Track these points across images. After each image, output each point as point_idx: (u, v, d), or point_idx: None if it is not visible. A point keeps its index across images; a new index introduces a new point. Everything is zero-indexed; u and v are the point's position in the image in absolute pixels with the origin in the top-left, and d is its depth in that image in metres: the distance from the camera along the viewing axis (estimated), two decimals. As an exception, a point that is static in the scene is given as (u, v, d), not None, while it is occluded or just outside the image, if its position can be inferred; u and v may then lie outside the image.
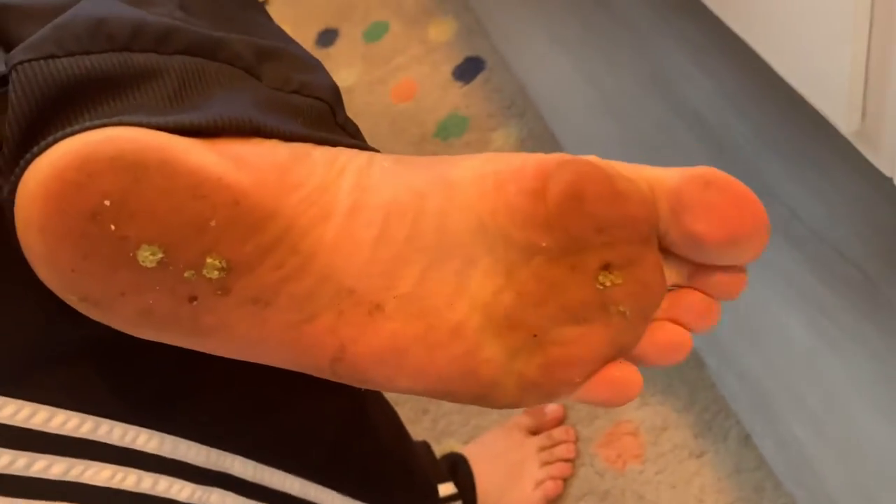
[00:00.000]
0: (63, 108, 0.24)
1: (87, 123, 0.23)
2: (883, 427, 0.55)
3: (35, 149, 0.23)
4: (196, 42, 0.26)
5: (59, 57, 0.24)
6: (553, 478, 0.66)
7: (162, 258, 0.23)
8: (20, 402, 0.26)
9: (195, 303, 0.24)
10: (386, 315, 0.25)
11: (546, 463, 0.66)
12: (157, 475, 0.29)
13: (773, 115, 0.73)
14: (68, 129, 0.23)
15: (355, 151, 0.26)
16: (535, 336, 0.26)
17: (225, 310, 0.24)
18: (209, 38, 0.26)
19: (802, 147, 0.70)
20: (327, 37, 1.15)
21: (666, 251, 0.27)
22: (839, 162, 0.67)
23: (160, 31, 0.25)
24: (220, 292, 0.24)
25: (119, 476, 0.28)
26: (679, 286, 0.28)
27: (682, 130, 0.78)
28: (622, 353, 0.27)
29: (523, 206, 0.25)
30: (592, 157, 0.26)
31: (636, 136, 0.81)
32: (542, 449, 0.66)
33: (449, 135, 0.95)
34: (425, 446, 0.61)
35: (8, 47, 0.25)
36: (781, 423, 0.59)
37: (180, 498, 0.30)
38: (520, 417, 0.69)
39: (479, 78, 0.98)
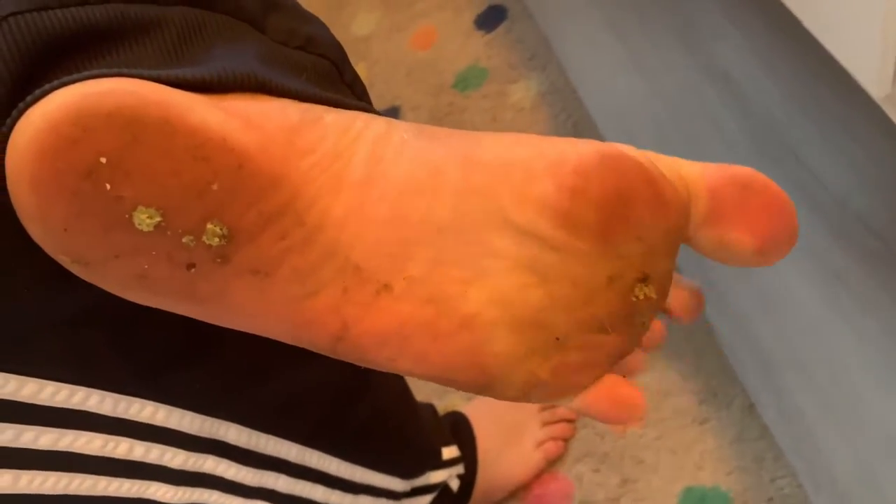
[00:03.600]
0: (57, 62, 0.23)
1: (84, 73, 0.22)
2: (890, 403, 0.54)
3: (28, 98, 0.22)
4: None
5: (52, 8, 0.23)
6: (554, 438, 0.65)
7: (159, 222, 0.22)
8: (6, 374, 0.25)
9: (192, 270, 0.23)
10: (394, 296, 0.24)
11: (547, 423, 0.66)
12: (149, 443, 0.29)
13: (803, 76, 0.70)
14: (64, 79, 0.22)
15: (372, 117, 0.25)
16: (558, 339, 0.25)
17: (223, 279, 0.23)
18: None
19: (832, 110, 0.67)
20: (349, -20, 1.12)
21: None
22: (869, 128, 0.64)
23: None
24: (219, 260, 0.23)
25: (111, 445, 0.28)
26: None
27: (710, 89, 0.75)
28: (623, 358, 0.27)
29: (560, 204, 0.23)
30: (631, 150, 0.24)
31: (661, 94, 0.78)
32: (544, 408, 0.66)
33: (468, 86, 0.92)
34: (430, 409, 0.61)
35: None
36: (787, 393, 0.58)
37: (173, 465, 0.30)
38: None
39: (502, 27, 0.95)
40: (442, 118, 0.90)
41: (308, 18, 0.28)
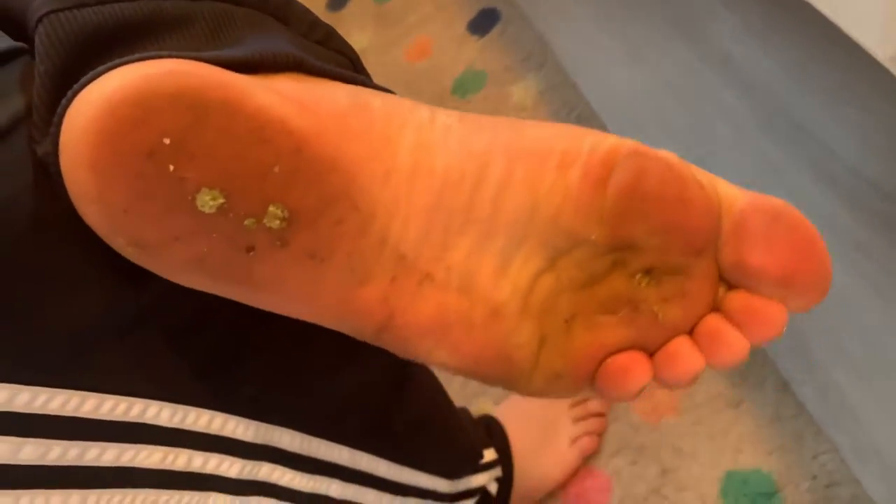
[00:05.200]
0: (98, 57, 0.23)
1: (135, 56, 0.22)
2: (928, 368, 0.53)
3: (82, 79, 0.21)
4: None
5: (90, 5, 0.23)
6: (588, 433, 0.65)
7: (222, 204, 0.22)
8: (69, 391, 0.25)
9: (252, 253, 0.23)
10: (435, 286, 0.24)
11: (579, 418, 0.65)
12: (207, 454, 0.29)
13: (803, 49, 0.70)
14: (116, 61, 0.22)
15: (414, 103, 0.25)
16: (566, 322, 0.25)
17: (281, 262, 0.23)
18: None
19: (836, 80, 0.67)
20: (338, 0, 1.13)
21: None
22: (875, 94, 0.64)
23: None
24: (278, 243, 0.23)
25: (170, 458, 0.28)
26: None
27: (710, 72, 0.75)
28: (649, 348, 0.26)
29: (582, 194, 0.24)
30: (668, 154, 0.24)
31: (662, 82, 0.78)
32: (575, 404, 0.66)
33: (467, 91, 0.93)
34: (466, 412, 0.61)
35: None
36: (820, 368, 0.57)
37: (230, 474, 0.30)
38: (551, 375, 0.68)
39: (495, 30, 0.96)
40: (444, 126, 0.90)
41: (319, 19, 0.29)
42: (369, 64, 1.07)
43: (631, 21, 0.84)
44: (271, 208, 0.22)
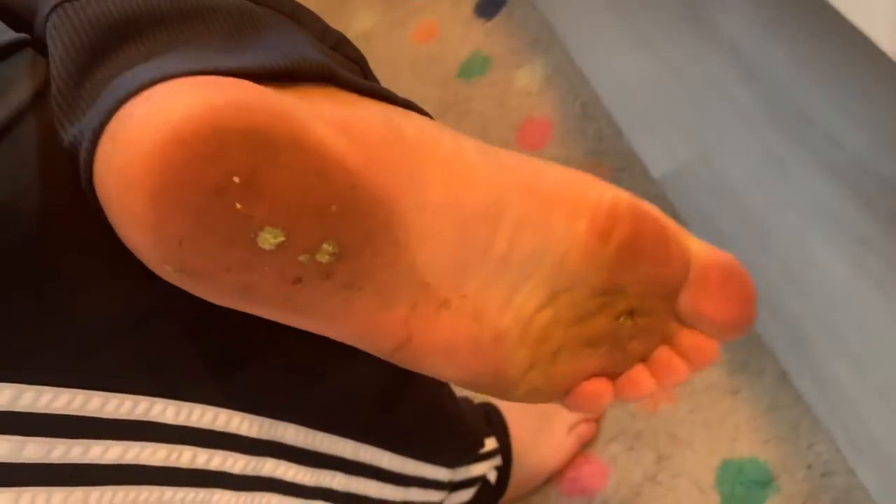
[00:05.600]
0: (119, 45, 0.22)
1: (177, 67, 0.21)
2: (927, 362, 0.53)
3: (126, 85, 0.21)
4: None
5: None
6: (586, 420, 0.65)
7: (283, 241, 0.22)
8: (73, 390, 0.25)
9: (298, 284, 0.23)
10: (451, 312, 0.26)
11: (577, 405, 0.65)
12: (211, 450, 0.29)
13: (810, 40, 0.69)
14: (164, 69, 0.21)
15: (440, 129, 0.26)
16: (554, 353, 0.29)
17: (321, 292, 0.24)
18: None
19: (842, 72, 0.67)
20: (345, -22, 1.12)
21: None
22: (881, 86, 0.63)
23: None
24: (324, 276, 0.24)
25: (175, 454, 0.28)
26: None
27: (718, 60, 0.75)
28: (607, 372, 0.31)
29: (589, 243, 0.27)
30: (656, 211, 0.29)
31: (669, 70, 0.78)
32: (573, 391, 0.66)
33: (472, 74, 0.92)
34: (467, 402, 0.61)
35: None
36: (819, 360, 0.58)
37: (234, 471, 0.30)
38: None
39: (502, 14, 0.95)
40: (449, 108, 0.90)
41: (329, 26, 0.29)
42: (376, 45, 1.06)
43: (639, 7, 0.84)
44: (325, 245, 0.23)
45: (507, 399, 0.30)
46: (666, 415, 0.63)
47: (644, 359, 0.31)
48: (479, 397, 0.68)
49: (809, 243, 0.61)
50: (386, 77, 0.30)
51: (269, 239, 0.22)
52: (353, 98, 0.25)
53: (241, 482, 0.31)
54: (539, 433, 0.65)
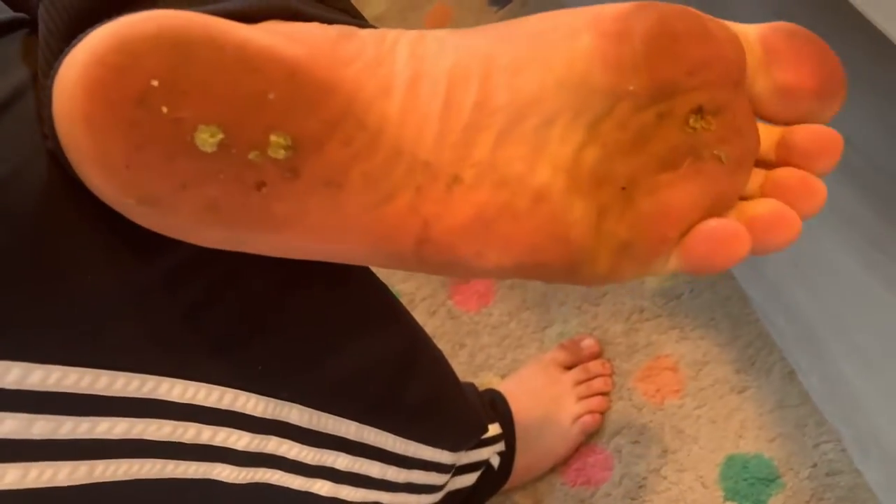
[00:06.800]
0: (100, 19, 0.22)
1: (123, 14, 0.22)
2: (936, 364, 0.53)
3: (72, 42, 0.21)
4: None
5: None
6: (591, 411, 0.65)
7: (222, 139, 0.22)
8: (82, 369, 0.25)
9: (264, 189, 0.22)
10: (466, 186, 0.24)
11: (583, 397, 0.66)
12: (216, 427, 0.29)
13: (827, 37, 0.69)
14: (103, 21, 0.22)
15: (401, 30, 0.25)
16: (624, 189, 0.24)
17: (297, 196, 0.23)
18: None
19: (860, 70, 0.66)
20: (357, -39, 1.11)
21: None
22: (899, 85, 0.63)
23: None
24: (289, 175, 0.22)
25: (179, 430, 0.28)
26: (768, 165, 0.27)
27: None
28: (722, 204, 0.25)
29: (606, 49, 0.24)
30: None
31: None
32: (579, 383, 0.66)
33: (484, 63, 0.92)
34: (471, 387, 0.61)
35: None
36: (828, 359, 0.58)
37: (238, 447, 0.30)
38: (556, 352, 0.69)
39: (516, 2, 0.94)
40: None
41: None
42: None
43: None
44: (273, 137, 0.22)
45: (596, 278, 0.25)
46: (672, 409, 0.63)
47: (748, 173, 0.26)
48: (483, 383, 0.68)
49: (820, 242, 0.61)
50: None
51: (206, 139, 0.21)
52: (317, 23, 0.25)
53: (243, 458, 0.31)
54: (544, 422, 0.65)
